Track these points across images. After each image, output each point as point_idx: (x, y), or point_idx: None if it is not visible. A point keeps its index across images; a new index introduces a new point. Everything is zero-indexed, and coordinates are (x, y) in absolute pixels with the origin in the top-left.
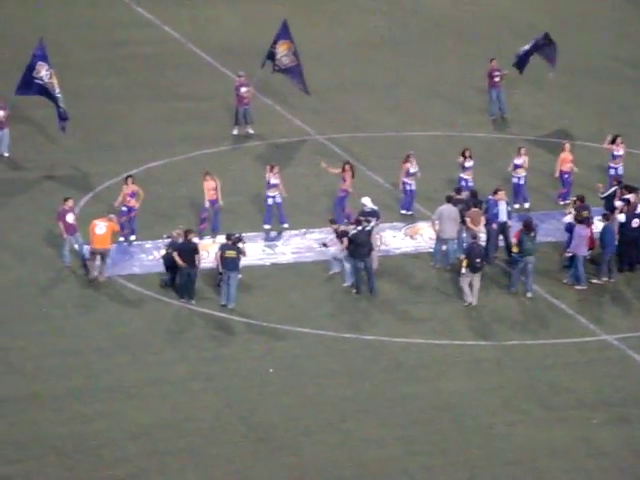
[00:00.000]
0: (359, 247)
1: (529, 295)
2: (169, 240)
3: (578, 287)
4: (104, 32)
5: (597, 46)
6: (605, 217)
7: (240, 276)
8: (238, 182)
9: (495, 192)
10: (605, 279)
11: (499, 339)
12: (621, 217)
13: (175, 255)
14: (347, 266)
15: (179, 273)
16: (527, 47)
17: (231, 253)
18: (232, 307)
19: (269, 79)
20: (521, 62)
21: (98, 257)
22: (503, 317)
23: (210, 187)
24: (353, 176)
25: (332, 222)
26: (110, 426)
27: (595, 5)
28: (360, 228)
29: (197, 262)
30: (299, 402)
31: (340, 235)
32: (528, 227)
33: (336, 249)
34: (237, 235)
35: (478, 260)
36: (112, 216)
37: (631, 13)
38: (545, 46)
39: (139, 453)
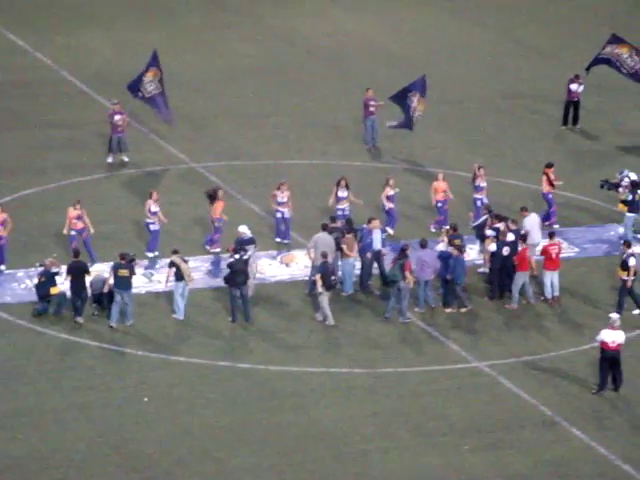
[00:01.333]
0: (235, 275)
1: (403, 320)
2: (42, 269)
3: (416, 309)
4: None
5: (469, 77)
6: (458, 249)
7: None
8: (113, 210)
9: (369, 221)
10: (451, 309)
11: (373, 366)
12: (492, 246)
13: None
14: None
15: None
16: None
17: (124, 272)
18: (130, 324)
19: (144, 107)
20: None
21: None
22: (377, 344)
23: (73, 216)
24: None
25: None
26: None
27: (468, 37)
28: (237, 256)
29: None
30: (174, 431)
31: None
32: (403, 253)
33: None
34: (131, 254)
35: (333, 278)
36: None
37: (502, 46)
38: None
39: None
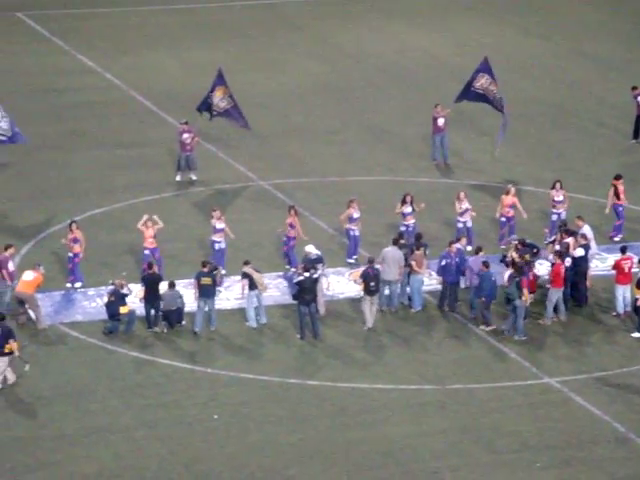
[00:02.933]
0: (304, 293)
1: (519, 338)
2: (112, 288)
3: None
4: (45, 80)
5: (537, 92)
6: (485, 264)
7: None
8: (181, 228)
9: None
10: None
11: (443, 383)
12: (580, 251)
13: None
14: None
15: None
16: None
17: (207, 280)
18: (214, 329)
19: (212, 126)
20: (463, 94)
21: (25, 304)
22: (447, 361)
23: (149, 235)
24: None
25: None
26: (53, 476)
27: (535, 52)
28: (307, 275)
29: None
30: (243, 449)
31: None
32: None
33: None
34: (214, 263)
35: (373, 284)
36: (40, 268)
37: (571, 60)
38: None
39: None
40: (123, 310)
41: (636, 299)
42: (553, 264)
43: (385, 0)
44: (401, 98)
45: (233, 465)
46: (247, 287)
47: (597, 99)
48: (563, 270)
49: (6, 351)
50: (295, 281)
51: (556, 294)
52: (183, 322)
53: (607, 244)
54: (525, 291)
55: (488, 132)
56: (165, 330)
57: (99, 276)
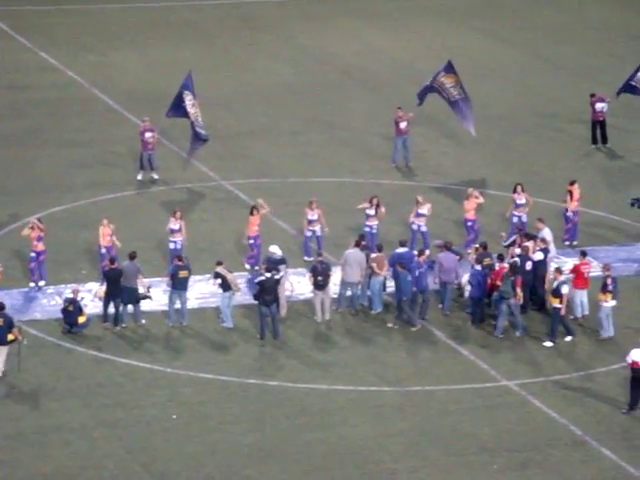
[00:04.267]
0: (265, 293)
1: (520, 334)
2: (71, 297)
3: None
4: (6, 77)
5: (499, 96)
6: (401, 265)
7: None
8: (142, 227)
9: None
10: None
11: (402, 385)
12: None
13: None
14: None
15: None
16: (428, 83)
17: (184, 273)
18: (185, 324)
19: (174, 125)
20: (421, 94)
21: None
22: (406, 363)
23: (106, 233)
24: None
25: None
26: (9, 475)
27: (498, 56)
28: (269, 275)
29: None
30: (202, 449)
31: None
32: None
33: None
34: (185, 255)
35: (320, 278)
36: None
37: (532, 65)
38: (460, 101)
39: None
40: (81, 320)
41: (557, 308)
42: (491, 268)
43: (350, 2)
44: (364, 100)
45: (191, 465)
46: (220, 288)
47: (558, 104)
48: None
49: (8, 340)
50: (256, 281)
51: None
52: (143, 321)
53: (564, 248)
54: (519, 290)
55: (451, 135)
56: (122, 326)
57: (59, 274)
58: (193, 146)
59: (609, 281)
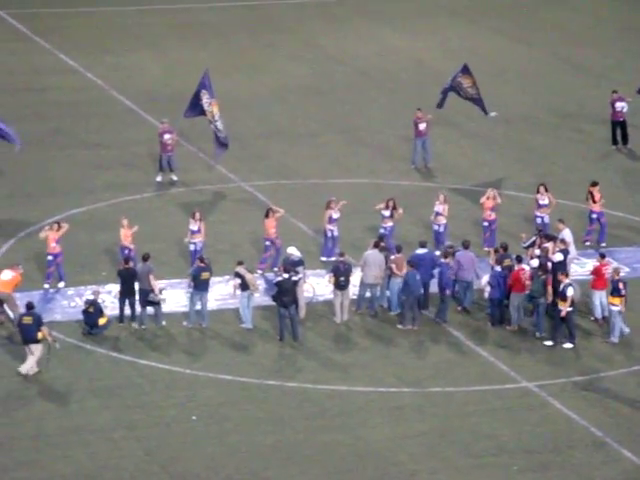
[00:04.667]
0: (283, 295)
1: (540, 335)
2: (92, 299)
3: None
4: (26, 78)
5: (518, 96)
6: (410, 264)
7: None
8: (161, 228)
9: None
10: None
11: (421, 386)
12: (534, 262)
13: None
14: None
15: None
16: (447, 85)
17: (206, 275)
18: (205, 325)
19: (193, 126)
20: (442, 99)
21: (3, 304)
22: (426, 364)
23: (127, 234)
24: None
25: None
26: (30, 476)
27: (516, 57)
28: (287, 276)
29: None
30: (221, 450)
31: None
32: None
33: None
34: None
35: (343, 278)
36: (17, 266)
37: (551, 65)
38: (474, 96)
39: None
40: (102, 322)
41: (559, 310)
42: (510, 269)
43: (368, 3)
44: (383, 101)
45: (211, 466)
46: (239, 287)
47: (577, 104)
48: (524, 275)
49: (39, 337)
50: (274, 282)
51: (517, 299)
52: (163, 322)
53: (585, 249)
54: (549, 289)
55: (470, 136)
56: (142, 327)
57: (78, 276)
58: (217, 151)
59: (621, 285)
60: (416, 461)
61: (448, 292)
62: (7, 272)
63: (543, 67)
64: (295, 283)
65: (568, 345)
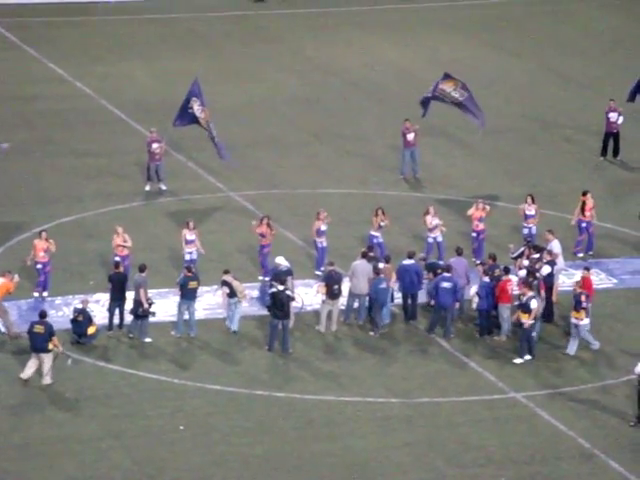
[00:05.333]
0: (276, 308)
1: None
2: (80, 307)
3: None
4: (15, 87)
5: (507, 108)
6: (375, 271)
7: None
8: (150, 238)
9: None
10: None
11: (410, 396)
12: (522, 273)
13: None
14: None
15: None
16: (429, 94)
17: (194, 284)
18: (194, 335)
19: (182, 135)
20: (424, 105)
21: None
22: (414, 375)
23: (119, 242)
24: (271, 230)
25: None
26: None
27: (506, 68)
28: (281, 287)
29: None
30: (209, 460)
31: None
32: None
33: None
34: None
35: (336, 287)
36: (9, 274)
37: (541, 77)
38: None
39: None
40: (91, 331)
41: (521, 323)
42: (499, 280)
43: (358, 14)
44: (372, 112)
45: (198, 476)
46: (227, 295)
47: (566, 116)
48: (511, 286)
49: (50, 347)
50: (270, 292)
51: (506, 310)
52: (148, 339)
53: (575, 260)
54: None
55: (459, 146)
56: (130, 337)
57: (67, 285)
58: (221, 152)
59: (583, 298)
60: (404, 471)
61: (432, 302)
62: None
63: (532, 78)
64: (289, 298)
65: (527, 357)
